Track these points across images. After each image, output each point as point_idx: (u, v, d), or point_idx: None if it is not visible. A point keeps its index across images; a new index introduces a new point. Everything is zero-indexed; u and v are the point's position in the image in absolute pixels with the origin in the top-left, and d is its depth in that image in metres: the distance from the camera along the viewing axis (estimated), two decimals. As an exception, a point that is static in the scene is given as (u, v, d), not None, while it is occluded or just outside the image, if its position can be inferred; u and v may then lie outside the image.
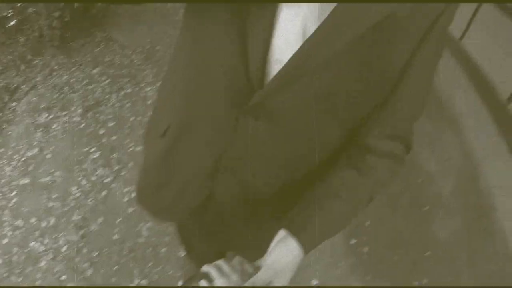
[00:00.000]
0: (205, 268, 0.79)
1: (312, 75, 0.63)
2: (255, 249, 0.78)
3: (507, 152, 2.83)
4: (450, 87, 2.96)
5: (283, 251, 0.71)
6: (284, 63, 0.63)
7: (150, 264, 2.16)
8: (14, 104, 2.75)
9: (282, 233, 0.74)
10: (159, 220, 1.29)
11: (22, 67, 2.85)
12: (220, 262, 0.80)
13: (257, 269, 0.75)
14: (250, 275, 0.74)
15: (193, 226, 1.11)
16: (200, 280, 0.78)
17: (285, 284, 0.73)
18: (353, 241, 2.31)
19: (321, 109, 0.68)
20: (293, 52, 0.62)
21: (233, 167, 0.81)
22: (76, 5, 2.66)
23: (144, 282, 2.10)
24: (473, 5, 3.31)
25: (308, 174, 0.81)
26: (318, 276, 2.19)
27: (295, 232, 0.72)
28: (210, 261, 0.77)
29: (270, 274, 0.70)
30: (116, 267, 2.14)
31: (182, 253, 1.86)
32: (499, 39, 3.10)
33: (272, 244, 0.74)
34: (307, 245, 0.71)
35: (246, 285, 0.71)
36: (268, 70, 0.66)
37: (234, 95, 0.70)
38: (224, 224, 0.95)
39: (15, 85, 2.82)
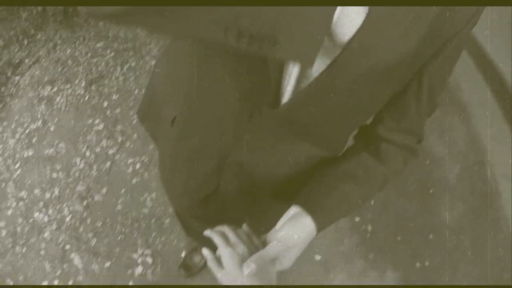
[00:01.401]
0: (208, 232, 0.77)
1: (346, 88, 0.63)
2: (259, 230, 0.78)
3: (513, 140, 2.84)
4: (460, 74, 2.96)
5: (297, 227, 0.70)
6: None
7: (154, 234, 2.19)
8: (17, 78, 2.74)
9: (295, 209, 0.73)
10: (173, 205, 1.34)
11: (25, 42, 2.85)
12: (226, 228, 0.77)
13: (264, 243, 0.74)
14: (257, 248, 0.73)
15: (196, 213, 1.13)
16: (202, 247, 0.75)
17: (293, 260, 0.71)
18: (357, 219, 2.34)
19: (342, 113, 0.69)
20: None
21: (241, 161, 0.82)
22: (80, -21, 2.63)
23: (148, 252, 2.14)
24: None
25: (318, 167, 0.82)
26: (322, 252, 2.22)
27: (310, 209, 0.71)
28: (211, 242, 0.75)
29: (280, 248, 0.69)
30: (120, 237, 2.17)
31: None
32: (510, 28, 3.07)
33: (283, 220, 0.73)
34: (320, 223, 0.71)
35: (253, 257, 0.68)
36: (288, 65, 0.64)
37: (247, 90, 0.70)
38: (227, 212, 0.96)
39: (18, 60, 2.81)
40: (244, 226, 0.79)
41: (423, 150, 2.67)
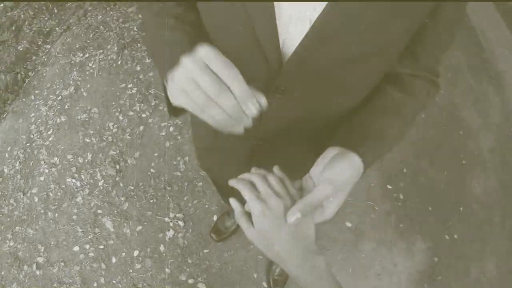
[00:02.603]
0: (234, 182, 0.68)
1: (344, 32, 0.59)
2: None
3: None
4: (495, 44, 2.90)
5: (344, 165, 0.63)
6: (303, 19, 0.59)
7: (186, 198, 2.20)
8: (48, 46, 2.77)
9: (333, 151, 0.67)
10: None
11: (55, 10, 2.86)
12: (254, 175, 0.67)
13: (300, 189, 0.68)
14: (293, 198, 0.65)
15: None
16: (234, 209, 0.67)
17: (337, 208, 0.64)
18: (389, 187, 2.32)
19: (351, 64, 0.65)
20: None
21: (268, 138, 0.83)
22: None
23: (179, 216, 2.15)
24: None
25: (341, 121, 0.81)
26: (353, 219, 2.21)
27: (352, 146, 0.66)
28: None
29: (329, 190, 0.61)
30: (152, 200, 2.19)
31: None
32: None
33: (322, 163, 0.66)
34: (366, 158, 0.65)
35: (298, 205, 0.61)
36: (282, 29, 0.62)
37: (253, 75, 0.67)
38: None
39: (48, 29, 2.83)
40: (276, 169, 0.71)
41: (456, 119, 2.64)
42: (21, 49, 2.74)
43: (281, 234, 0.61)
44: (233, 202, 0.68)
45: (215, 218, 2.15)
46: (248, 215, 0.65)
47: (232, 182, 0.68)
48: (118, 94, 2.53)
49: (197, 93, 0.51)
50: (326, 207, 0.63)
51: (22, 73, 2.63)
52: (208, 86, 0.50)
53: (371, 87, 0.76)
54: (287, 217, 0.60)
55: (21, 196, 2.24)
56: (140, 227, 2.14)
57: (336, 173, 0.62)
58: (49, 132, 2.43)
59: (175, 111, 0.70)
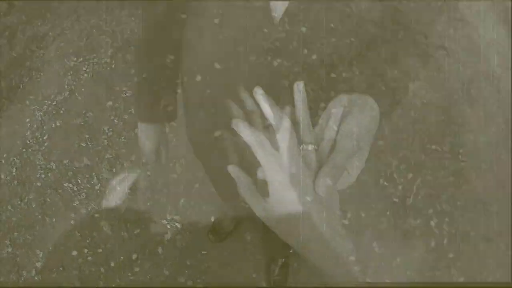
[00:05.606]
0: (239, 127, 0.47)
1: None
2: None
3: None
4: (489, 39, 2.90)
5: (365, 110, 0.52)
6: None
7: (183, 200, 2.20)
8: (42, 52, 2.76)
9: (342, 97, 0.54)
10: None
11: (48, 15, 2.86)
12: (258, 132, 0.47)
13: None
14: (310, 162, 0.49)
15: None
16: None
17: (362, 166, 0.54)
18: (386, 183, 2.32)
19: None
20: None
21: None
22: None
23: (177, 218, 2.15)
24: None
25: None
26: (349, 216, 2.21)
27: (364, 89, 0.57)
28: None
29: (352, 145, 0.49)
30: (149, 203, 2.19)
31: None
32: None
33: (331, 113, 0.53)
34: (381, 102, 0.56)
35: (325, 169, 0.47)
36: None
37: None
38: None
39: (41, 34, 2.83)
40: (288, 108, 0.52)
41: (453, 111, 2.64)
42: (15, 55, 2.73)
43: (305, 211, 0.46)
44: (233, 169, 0.50)
45: (212, 219, 2.15)
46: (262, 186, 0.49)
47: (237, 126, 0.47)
48: (113, 97, 2.52)
49: None
50: (350, 167, 0.54)
51: (17, 78, 2.63)
52: None
53: None
54: (316, 187, 0.46)
55: (19, 202, 2.23)
56: (138, 230, 2.13)
57: (355, 122, 0.50)
58: (45, 137, 2.43)
59: None
